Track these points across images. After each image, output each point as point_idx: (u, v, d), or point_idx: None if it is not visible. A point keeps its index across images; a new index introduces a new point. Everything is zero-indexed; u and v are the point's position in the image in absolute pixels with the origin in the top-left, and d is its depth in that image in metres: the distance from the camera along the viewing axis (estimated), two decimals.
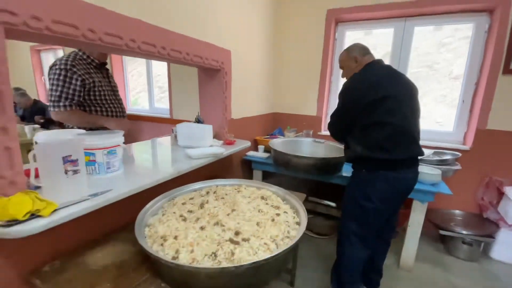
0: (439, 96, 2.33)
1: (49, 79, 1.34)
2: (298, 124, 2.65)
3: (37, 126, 2.75)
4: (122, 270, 0.86)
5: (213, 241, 0.85)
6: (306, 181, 2.13)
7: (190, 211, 1.04)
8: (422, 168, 1.68)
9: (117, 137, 1.05)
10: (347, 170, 1.79)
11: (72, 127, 1.39)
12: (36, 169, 0.80)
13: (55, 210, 0.73)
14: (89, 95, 1.39)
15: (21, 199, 0.70)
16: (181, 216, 1.00)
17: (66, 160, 0.77)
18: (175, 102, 2.85)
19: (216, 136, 1.76)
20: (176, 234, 0.88)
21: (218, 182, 1.33)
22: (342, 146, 1.50)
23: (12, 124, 0.75)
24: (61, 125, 1.45)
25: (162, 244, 0.84)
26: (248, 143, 1.84)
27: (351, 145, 1.31)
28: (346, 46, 1.48)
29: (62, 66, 1.30)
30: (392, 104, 1.18)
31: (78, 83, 1.32)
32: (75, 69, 1.32)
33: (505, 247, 1.92)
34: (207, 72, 1.74)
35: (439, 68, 2.29)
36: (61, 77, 1.29)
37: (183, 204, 1.11)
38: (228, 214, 1.02)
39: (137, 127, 3.11)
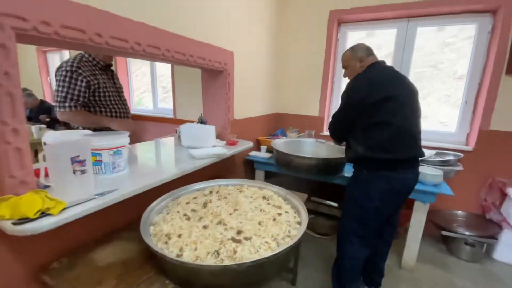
0: (443, 96, 2.32)
1: (56, 80, 1.37)
2: (300, 125, 2.67)
3: (43, 126, 2.80)
4: (128, 267, 0.88)
5: (216, 239, 0.87)
6: (308, 181, 2.15)
7: (193, 210, 1.07)
8: (424, 169, 1.69)
9: (123, 138, 1.07)
10: (349, 171, 1.80)
11: (77, 127, 1.43)
12: (46, 169, 0.82)
13: (64, 209, 0.75)
14: (94, 96, 1.42)
15: (32, 198, 0.73)
16: (185, 215, 1.02)
17: (74, 160, 0.80)
18: (178, 103, 2.88)
19: (219, 136, 1.79)
20: (180, 233, 0.90)
21: (221, 182, 1.35)
22: (343, 147, 1.51)
23: (22, 126, 0.78)
24: (66, 125, 1.48)
25: (166, 242, 0.86)
26: (250, 144, 1.86)
27: (352, 145, 1.33)
28: (348, 46, 1.48)
29: (68, 68, 1.34)
30: (395, 105, 1.19)
31: (83, 84, 1.35)
32: (80, 71, 1.35)
33: (508, 248, 1.92)
34: (210, 73, 1.76)
35: (443, 68, 2.28)
36: (67, 79, 1.33)
37: (186, 203, 1.13)
38: (230, 214, 1.04)
39: (141, 127, 3.15)
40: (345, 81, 1.43)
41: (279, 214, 1.05)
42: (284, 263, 0.98)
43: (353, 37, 2.51)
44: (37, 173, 0.84)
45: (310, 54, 2.54)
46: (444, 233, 1.99)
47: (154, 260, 0.91)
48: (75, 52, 1.43)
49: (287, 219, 1.03)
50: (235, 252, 0.82)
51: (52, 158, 0.79)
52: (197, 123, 1.81)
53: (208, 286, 0.82)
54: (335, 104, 2.64)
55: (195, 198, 1.18)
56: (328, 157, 1.77)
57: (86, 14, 0.90)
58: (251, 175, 2.30)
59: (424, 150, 1.92)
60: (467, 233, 1.94)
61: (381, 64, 1.33)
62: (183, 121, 2.04)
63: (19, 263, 0.84)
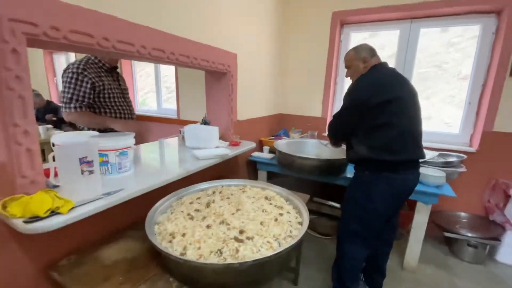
0: (448, 97, 2.31)
1: (62, 82, 1.41)
2: (303, 125, 2.68)
3: (50, 126, 2.85)
4: (133, 265, 0.91)
5: (218, 239, 0.90)
6: (311, 181, 2.16)
7: (197, 210, 1.09)
8: (427, 170, 1.69)
9: (129, 139, 1.10)
10: (351, 172, 1.80)
11: (82, 128, 1.47)
12: (55, 169, 0.85)
13: (72, 208, 0.78)
14: (99, 97, 1.46)
15: (42, 197, 0.75)
16: (188, 214, 1.05)
17: (83, 161, 0.83)
18: (182, 103, 2.91)
19: (222, 137, 1.81)
20: (184, 232, 0.92)
21: (224, 182, 1.37)
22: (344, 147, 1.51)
23: (33, 128, 0.81)
24: (72, 125, 1.52)
25: (170, 241, 0.89)
26: (253, 145, 1.87)
27: (354, 146, 1.32)
28: (351, 47, 1.47)
29: (74, 70, 1.38)
30: (398, 106, 1.20)
31: (88, 86, 1.39)
32: (86, 73, 1.39)
33: (511, 249, 1.91)
34: (214, 75, 1.78)
35: (447, 68, 2.27)
36: (73, 80, 1.37)
37: (190, 203, 1.15)
38: (233, 214, 1.06)
39: (145, 128, 3.18)
40: (348, 81, 1.43)
41: (281, 215, 1.06)
42: (285, 262, 1.00)
43: (356, 38, 2.51)
44: (46, 173, 0.87)
45: (313, 55, 2.55)
46: (446, 234, 1.99)
47: (158, 258, 0.93)
48: (80, 54, 1.47)
49: (288, 219, 1.04)
50: (237, 251, 0.84)
51: (61, 158, 0.82)
52: (201, 124, 1.84)
53: (211, 284, 0.84)
54: (338, 105, 2.64)
55: (198, 198, 1.21)
56: (330, 158, 1.78)
57: (94, 19, 0.93)
58: (254, 176, 2.31)
59: (427, 151, 1.94)
60: (470, 234, 1.94)
61: (384, 65, 1.34)
62: (186, 122, 2.07)
63: (29, 260, 0.87)
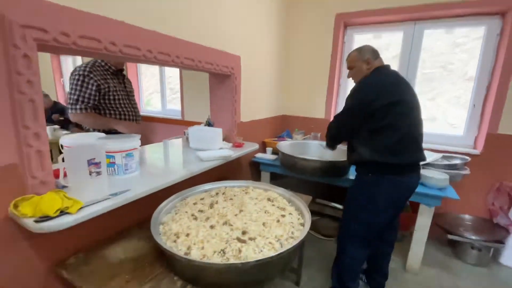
0: (453, 98, 2.30)
1: (69, 84, 1.45)
2: (306, 127, 2.69)
3: (57, 127, 2.90)
4: (139, 264, 0.93)
5: (222, 239, 0.92)
6: (314, 183, 2.17)
7: (200, 211, 1.11)
8: (430, 172, 1.69)
9: (135, 141, 1.13)
10: (354, 173, 1.80)
11: (88, 128, 1.51)
12: (64, 169, 0.88)
13: (81, 208, 0.81)
14: (104, 99, 1.50)
15: (52, 197, 0.78)
16: (192, 215, 1.07)
17: (91, 162, 0.85)
18: (186, 104, 2.94)
19: (225, 138, 1.83)
20: (188, 232, 0.95)
21: (227, 183, 1.39)
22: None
23: (43, 130, 0.84)
24: (78, 126, 1.56)
25: (175, 241, 0.91)
26: (256, 146, 1.89)
27: (357, 148, 1.32)
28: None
29: (81, 73, 1.42)
30: (404, 108, 1.21)
31: (94, 88, 1.43)
32: (91, 75, 1.43)
33: None
34: (218, 77, 1.81)
35: (453, 68, 2.26)
36: (79, 83, 1.41)
37: (194, 204, 1.18)
38: (236, 215, 1.08)
39: (150, 128, 3.23)
40: (351, 83, 1.43)
41: (283, 216, 1.08)
42: (287, 263, 1.01)
43: (360, 39, 2.51)
44: (55, 173, 0.90)
45: (317, 57, 2.56)
46: (450, 237, 1.98)
47: (163, 258, 0.96)
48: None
49: (290, 220, 1.06)
50: (240, 251, 0.86)
51: (70, 160, 0.85)
52: (205, 125, 1.86)
53: (214, 283, 0.86)
54: (341, 106, 2.63)
55: (202, 199, 1.23)
56: (333, 159, 1.79)
57: (102, 25, 0.95)
58: (257, 177, 2.33)
59: (431, 153, 1.94)
60: (473, 237, 1.93)
61: (387, 68, 1.34)
62: (191, 123, 2.10)
63: (39, 257, 0.90)
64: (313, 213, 1.10)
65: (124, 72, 1.67)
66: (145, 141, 1.68)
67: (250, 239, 0.92)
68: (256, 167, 2.28)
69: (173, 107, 3.30)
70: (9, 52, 0.74)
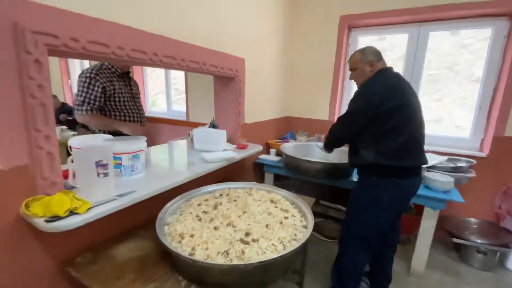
0: (459, 99, 2.27)
1: (77, 85, 1.50)
2: (310, 128, 2.69)
3: (65, 127, 2.97)
4: (144, 264, 0.95)
5: (225, 240, 0.93)
6: (317, 184, 2.17)
7: (205, 212, 1.13)
8: (435, 175, 1.68)
9: (141, 143, 1.15)
10: (357, 176, 1.81)
11: (93, 129, 1.55)
12: (73, 170, 0.91)
13: (89, 208, 0.83)
14: (110, 101, 1.53)
15: (61, 198, 0.81)
16: (197, 216, 1.09)
17: (98, 164, 0.88)
18: (191, 105, 2.96)
19: (229, 140, 1.85)
20: (193, 233, 0.96)
21: (231, 185, 1.41)
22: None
23: (53, 133, 0.86)
24: (84, 126, 1.61)
25: (180, 242, 0.93)
26: (260, 147, 1.90)
27: (360, 151, 1.31)
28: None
29: (87, 75, 1.46)
30: (407, 111, 1.21)
31: (99, 90, 1.47)
32: (98, 77, 1.47)
33: None
34: (222, 79, 1.82)
35: (459, 69, 2.24)
36: (86, 85, 1.45)
37: (198, 205, 1.19)
38: (239, 216, 1.09)
39: (156, 129, 3.27)
40: (355, 85, 1.42)
41: (286, 218, 1.09)
42: (290, 264, 1.02)
43: (364, 41, 2.51)
44: (64, 174, 0.92)
45: (321, 59, 2.56)
46: (455, 240, 1.96)
47: (168, 258, 0.97)
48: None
49: (293, 222, 1.07)
50: (243, 252, 0.87)
51: (79, 162, 0.87)
52: (209, 126, 1.88)
53: (218, 283, 0.87)
54: (345, 108, 2.63)
55: (206, 200, 1.25)
56: (336, 161, 1.79)
57: (110, 30, 0.98)
58: (260, 178, 2.34)
59: (436, 156, 1.93)
60: (479, 241, 1.90)
61: (390, 70, 1.34)
62: (195, 124, 2.12)
63: (48, 256, 0.93)
64: (316, 214, 1.11)
65: (131, 75, 1.70)
66: (150, 141, 1.70)
67: (253, 240, 0.93)
68: (260, 168, 2.30)
69: (178, 108, 3.33)
70: (21, 57, 0.77)
